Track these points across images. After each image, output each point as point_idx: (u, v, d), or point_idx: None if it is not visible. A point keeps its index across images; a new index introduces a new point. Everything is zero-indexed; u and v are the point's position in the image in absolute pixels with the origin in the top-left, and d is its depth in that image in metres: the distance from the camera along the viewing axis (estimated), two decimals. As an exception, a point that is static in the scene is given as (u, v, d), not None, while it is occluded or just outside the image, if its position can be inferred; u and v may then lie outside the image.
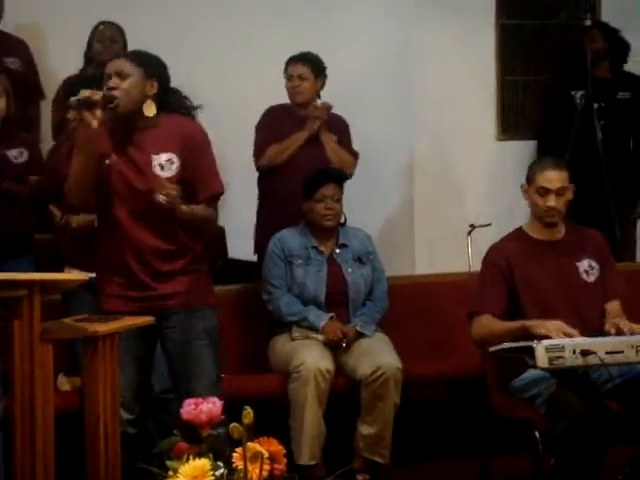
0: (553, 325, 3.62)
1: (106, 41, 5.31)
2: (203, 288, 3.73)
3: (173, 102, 3.66)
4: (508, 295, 3.93)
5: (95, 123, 3.45)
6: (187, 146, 3.63)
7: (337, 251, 4.64)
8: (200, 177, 3.64)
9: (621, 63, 5.91)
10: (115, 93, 3.51)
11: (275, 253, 4.59)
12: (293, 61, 5.06)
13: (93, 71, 5.25)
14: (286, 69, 5.06)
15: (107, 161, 3.58)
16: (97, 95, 3.47)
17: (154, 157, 3.59)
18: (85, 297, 4.10)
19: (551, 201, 3.91)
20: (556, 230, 4.02)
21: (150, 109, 3.60)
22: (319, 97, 5.09)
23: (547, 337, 3.57)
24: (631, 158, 5.88)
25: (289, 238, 4.61)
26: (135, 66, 3.56)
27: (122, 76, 3.54)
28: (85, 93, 3.46)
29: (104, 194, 3.61)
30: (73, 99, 3.50)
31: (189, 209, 3.58)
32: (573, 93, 5.65)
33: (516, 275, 3.93)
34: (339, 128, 5.12)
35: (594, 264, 4.00)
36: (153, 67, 3.61)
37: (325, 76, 5.10)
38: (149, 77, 3.58)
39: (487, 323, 3.88)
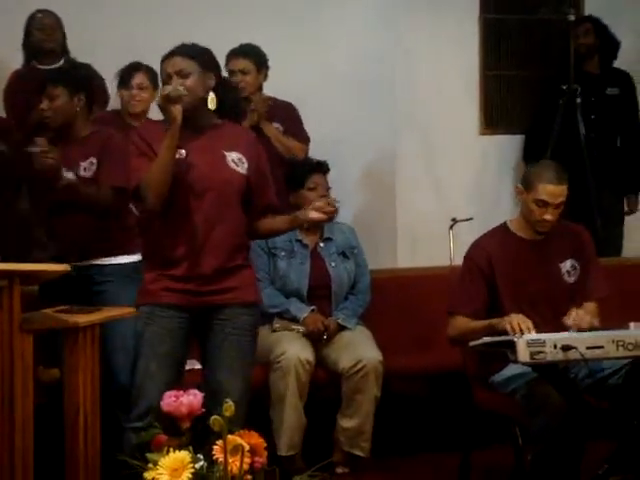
0: (514, 318, 3.62)
1: (47, 29, 5.19)
2: (254, 284, 3.71)
3: (228, 93, 3.64)
4: (489, 292, 3.93)
5: (180, 117, 3.42)
6: (252, 151, 3.63)
7: (321, 245, 4.65)
8: (260, 186, 3.62)
9: (611, 59, 5.92)
10: (183, 93, 3.44)
11: (259, 245, 4.58)
12: (234, 55, 4.97)
13: (40, 62, 5.20)
14: (227, 64, 4.95)
15: (177, 155, 3.50)
16: (181, 91, 3.43)
17: (226, 153, 3.56)
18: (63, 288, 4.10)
19: (548, 214, 3.89)
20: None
21: (213, 102, 3.57)
22: (261, 89, 5.05)
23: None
24: (619, 153, 5.89)
25: None
26: (193, 62, 3.52)
27: (183, 75, 3.50)
28: (168, 89, 3.43)
29: (174, 188, 3.49)
30: (164, 94, 3.43)
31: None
32: (565, 87, 5.68)
33: (497, 273, 3.93)
34: (286, 115, 5.10)
35: (576, 264, 4.01)
36: (208, 60, 3.58)
37: (267, 68, 5.04)
38: (206, 70, 3.55)
39: (459, 324, 3.89)
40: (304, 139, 5.11)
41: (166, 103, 3.41)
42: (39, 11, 5.24)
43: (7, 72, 5.33)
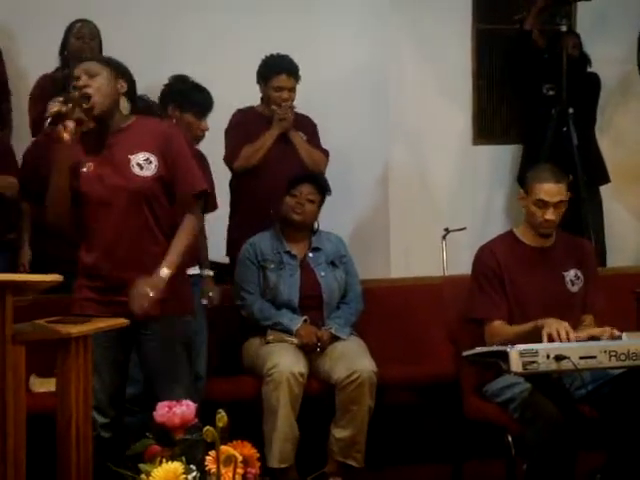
0: (558, 325, 3.62)
1: (85, 38, 5.27)
2: (182, 296, 3.68)
3: (142, 109, 3.70)
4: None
5: (67, 136, 3.46)
6: (164, 145, 3.60)
7: (310, 255, 4.65)
8: (180, 175, 3.60)
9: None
10: (88, 90, 3.50)
11: (248, 258, 4.58)
12: (283, 73, 4.98)
13: (71, 70, 5.24)
14: (270, 79, 4.98)
15: (84, 169, 3.56)
16: (64, 107, 3.45)
17: (131, 157, 3.57)
18: None
19: (549, 214, 3.92)
20: (547, 237, 4.03)
21: (124, 107, 3.60)
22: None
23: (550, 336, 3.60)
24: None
25: (262, 243, 4.61)
26: (102, 65, 3.58)
27: (91, 74, 3.53)
28: (53, 108, 3.45)
29: (83, 202, 3.57)
30: (46, 124, 3.49)
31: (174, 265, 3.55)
32: (546, 89, 5.75)
33: (505, 277, 3.96)
34: (307, 127, 5.13)
35: (580, 274, 4.03)
36: (119, 67, 3.63)
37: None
38: (117, 76, 3.59)
39: (499, 331, 3.87)
40: (325, 152, 5.13)
41: (52, 126, 3.46)
42: (78, 20, 5.32)
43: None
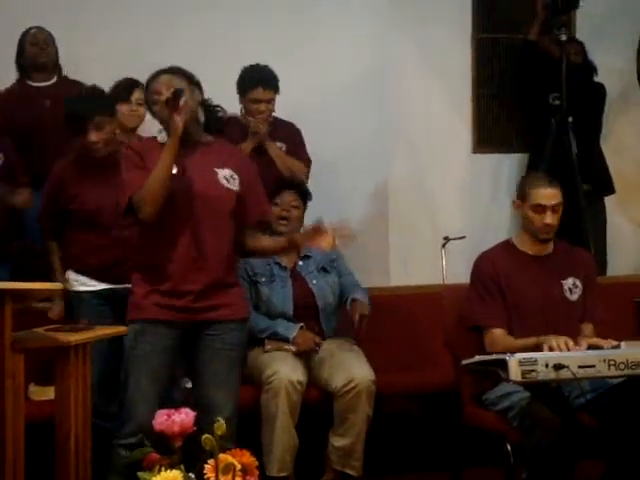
0: (557, 340, 3.64)
1: (41, 44, 5.27)
2: (244, 300, 3.80)
3: (209, 108, 3.69)
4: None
5: (182, 127, 3.46)
6: (243, 167, 3.70)
7: (300, 263, 4.63)
8: (252, 199, 3.68)
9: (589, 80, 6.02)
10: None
11: (239, 274, 4.56)
12: (260, 85, 4.93)
13: (32, 79, 5.26)
14: (247, 92, 4.93)
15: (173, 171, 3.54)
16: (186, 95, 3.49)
17: (218, 170, 3.62)
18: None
19: (548, 218, 3.96)
20: (545, 245, 4.05)
21: (201, 116, 3.64)
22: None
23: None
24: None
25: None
26: (181, 78, 3.58)
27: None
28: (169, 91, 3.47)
29: (166, 205, 3.52)
30: (176, 90, 3.47)
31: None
32: (552, 98, 5.76)
33: (503, 285, 3.97)
34: (288, 136, 5.10)
35: (578, 283, 4.05)
36: (191, 76, 3.64)
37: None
38: (193, 85, 3.61)
39: (501, 341, 3.90)
40: (305, 160, 5.11)
41: (170, 111, 3.44)
42: (33, 27, 5.31)
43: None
